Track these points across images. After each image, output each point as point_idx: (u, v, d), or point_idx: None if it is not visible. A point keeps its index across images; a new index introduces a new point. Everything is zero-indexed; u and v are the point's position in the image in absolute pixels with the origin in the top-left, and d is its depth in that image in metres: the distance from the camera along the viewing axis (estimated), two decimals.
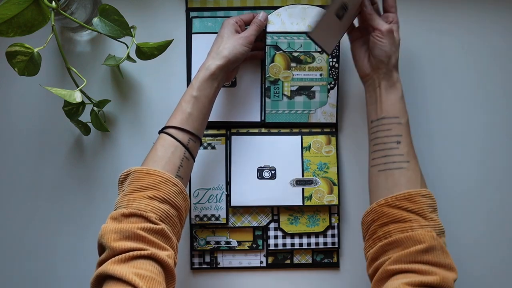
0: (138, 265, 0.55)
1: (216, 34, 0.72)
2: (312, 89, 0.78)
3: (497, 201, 0.80)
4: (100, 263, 0.57)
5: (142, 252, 0.56)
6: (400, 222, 0.59)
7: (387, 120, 0.65)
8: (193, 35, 0.80)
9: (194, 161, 0.68)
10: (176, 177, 0.63)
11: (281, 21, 0.77)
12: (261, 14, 0.75)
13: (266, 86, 0.78)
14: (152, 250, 0.56)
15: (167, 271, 0.58)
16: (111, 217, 0.59)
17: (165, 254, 0.57)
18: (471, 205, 0.80)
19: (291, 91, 0.78)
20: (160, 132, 0.67)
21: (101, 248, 0.58)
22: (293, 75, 0.78)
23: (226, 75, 0.71)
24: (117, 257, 0.55)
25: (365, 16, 0.68)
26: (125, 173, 0.63)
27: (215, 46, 0.71)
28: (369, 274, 0.63)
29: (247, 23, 0.75)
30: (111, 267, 0.54)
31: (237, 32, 0.72)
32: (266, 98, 0.79)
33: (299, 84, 0.78)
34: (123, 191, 0.62)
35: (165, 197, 0.60)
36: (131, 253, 0.55)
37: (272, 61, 0.78)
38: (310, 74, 0.78)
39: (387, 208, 0.60)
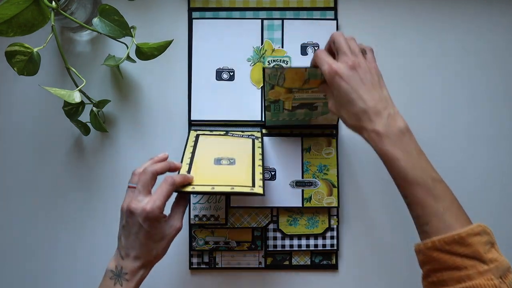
0: None
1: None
2: (314, 105, 0.73)
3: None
4: None
5: None
6: (454, 269, 0.51)
7: None
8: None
9: None
10: None
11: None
12: (177, 180, 0.62)
13: (266, 104, 0.72)
14: None
15: None
16: None
17: None
18: None
19: (292, 106, 0.73)
20: None
21: None
22: (295, 96, 0.70)
23: None
24: None
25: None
26: None
27: (145, 248, 0.61)
28: None
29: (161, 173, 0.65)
30: None
31: (164, 216, 0.62)
32: (266, 111, 0.74)
33: (301, 102, 0.71)
34: None
35: None
36: None
37: (272, 88, 0.68)
38: (313, 95, 0.69)
39: (437, 253, 0.52)
